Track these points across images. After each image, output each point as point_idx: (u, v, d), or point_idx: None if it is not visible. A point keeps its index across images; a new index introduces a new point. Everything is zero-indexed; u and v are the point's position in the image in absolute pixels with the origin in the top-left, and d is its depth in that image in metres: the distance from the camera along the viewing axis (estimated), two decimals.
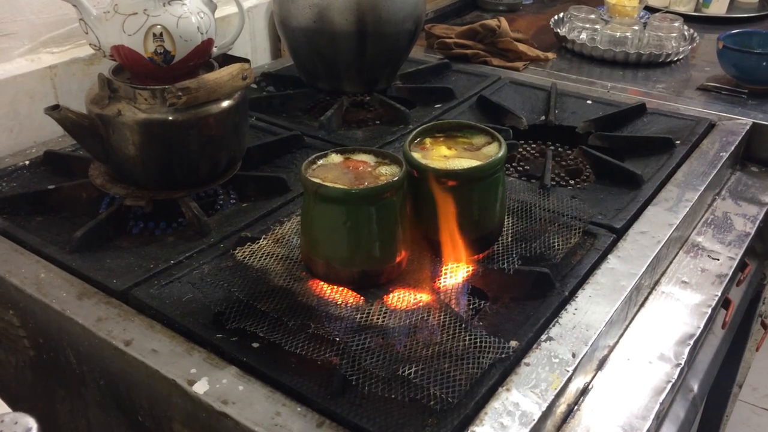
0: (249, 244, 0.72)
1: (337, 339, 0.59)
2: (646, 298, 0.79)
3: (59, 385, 0.75)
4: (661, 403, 0.67)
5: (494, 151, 0.70)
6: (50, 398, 0.77)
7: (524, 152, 1.07)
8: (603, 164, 0.96)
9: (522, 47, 1.38)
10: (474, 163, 0.68)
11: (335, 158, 0.69)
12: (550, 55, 1.41)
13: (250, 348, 0.62)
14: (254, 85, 1.22)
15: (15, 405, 0.85)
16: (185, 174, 0.82)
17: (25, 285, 0.72)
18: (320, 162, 0.68)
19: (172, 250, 0.77)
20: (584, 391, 0.67)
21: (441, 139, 0.73)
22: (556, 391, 0.60)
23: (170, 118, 0.77)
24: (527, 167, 1.02)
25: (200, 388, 0.59)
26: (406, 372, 0.56)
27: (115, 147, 0.79)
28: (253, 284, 0.67)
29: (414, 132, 0.72)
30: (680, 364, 0.71)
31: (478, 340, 0.61)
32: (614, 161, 0.95)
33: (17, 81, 0.96)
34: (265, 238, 0.74)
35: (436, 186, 0.67)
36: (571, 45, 1.43)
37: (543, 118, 1.12)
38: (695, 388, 0.91)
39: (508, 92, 1.21)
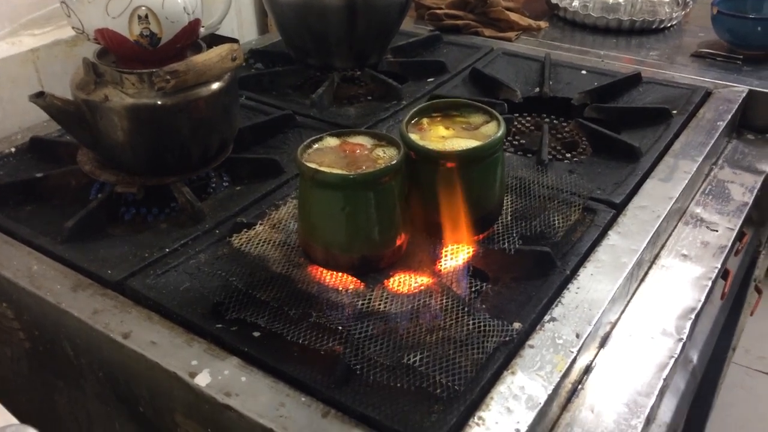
0: (245, 230, 0.71)
1: (340, 328, 0.58)
2: (646, 273, 0.79)
3: (57, 376, 0.74)
4: (665, 379, 0.67)
5: (493, 130, 0.69)
6: (48, 390, 0.76)
7: (520, 126, 1.06)
8: (600, 137, 0.95)
9: (513, 16, 1.36)
10: (473, 143, 0.67)
11: (331, 141, 0.68)
12: (542, 23, 1.39)
13: (251, 337, 0.61)
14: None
15: (12, 397, 0.84)
16: (176, 159, 0.80)
17: (17, 278, 0.70)
18: (316, 146, 0.67)
19: (166, 238, 0.76)
20: (588, 370, 0.66)
21: (438, 118, 0.71)
22: (561, 372, 0.59)
23: (159, 102, 0.75)
24: (523, 141, 1.01)
25: (202, 380, 0.58)
26: (411, 360, 0.55)
27: (103, 133, 0.77)
28: (251, 272, 0.66)
29: (411, 112, 0.71)
30: (682, 338, 0.71)
31: (482, 323, 0.61)
32: (611, 134, 0.94)
33: None
34: (261, 224, 0.73)
35: (434, 168, 0.66)
36: (563, 13, 1.40)
37: (537, 89, 1.11)
38: (694, 359, 0.92)
39: (501, 64, 1.19)
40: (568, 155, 0.97)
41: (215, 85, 0.79)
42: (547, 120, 1.07)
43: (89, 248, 0.74)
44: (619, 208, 0.81)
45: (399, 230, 0.66)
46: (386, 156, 0.65)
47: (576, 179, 0.86)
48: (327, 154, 0.66)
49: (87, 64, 0.77)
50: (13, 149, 0.92)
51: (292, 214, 0.74)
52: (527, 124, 1.07)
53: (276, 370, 0.59)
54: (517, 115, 1.08)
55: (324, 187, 0.62)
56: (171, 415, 0.62)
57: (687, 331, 0.72)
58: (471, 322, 0.61)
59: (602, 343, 0.69)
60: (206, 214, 0.79)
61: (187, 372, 0.59)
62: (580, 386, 0.64)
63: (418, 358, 0.56)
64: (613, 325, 0.72)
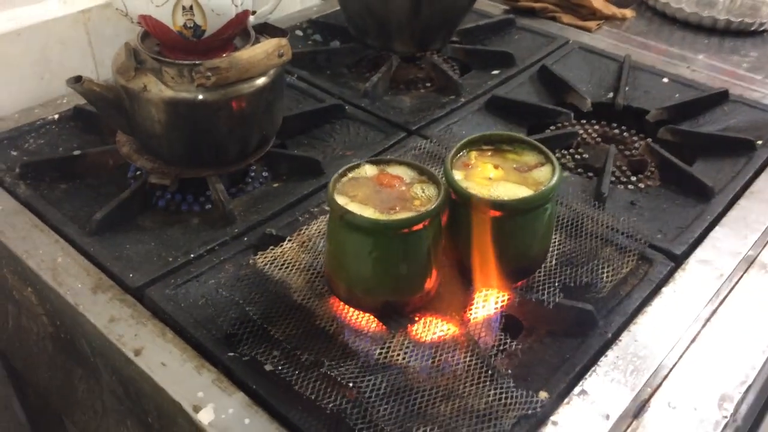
0: (272, 248, 0.68)
1: (350, 384, 0.55)
2: (698, 333, 0.72)
3: (77, 364, 0.74)
4: None
5: (546, 176, 0.63)
6: (68, 374, 0.76)
7: (585, 136, 0.98)
8: (670, 167, 0.87)
9: (597, 2, 1.25)
10: (521, 191, 0.61)
11: (368, 170, 0.63)
12: (628, 12, 1.28)
13: (261, 372, 0.59)
14: (299, 32, 1.14)
15: (35, 371, 0.85)
16: (213, 154, 0.77)
17: (41, 270, 0.69)
18: (351, 174, 0.62)
19: (194, 238, 0.73)
20: None
21: (489, 153, 0.66)
22: None
23: (198, 97, 0.72)
24: (586, 156, 0.94)
25: (205, 417, 0.56)
26: None
27: (140, 122, 0.74)
28: (270, 302, 0.63)
29: (459, 144, 0.65)
30: (726, 416, 0.65)
31: (504, 393, 0.57)
32: (683, 167, 0.86)
33: (48, 26, 0.91)
34: (289, 240, 0.69)
35: (475, 213, 0.60)
36: (653, 2, 1.29)
37: (611, 95, 1.02)
38: (740, 420, 0.86)
39: (574, 60, 1.10)
40: (633, 179, 0.89)
41: (259, 81, 0.75)
42: (617, 131, 0.99)
43: (116, 242, 0.72)
44: (679, 261, 0.74)
45: (429, 275, 0.61)
46: (424, 196, 0.60)
47: (636, 216, 0.80)
48: (362, 186, 0.61)
49: (129, 48, 0.73)
50: (56, 116, 0.90)
51: (322, 231, 0.71)
52: (594, 135, 0.99)
53: (281, 415, 0.56)
54: (585, 122, 1.00)
55: (352, 228, 0.58)
56: None
57: (733, 406, 0.66)
58: (493, 390, 0.57)
59: (637, 414, 0.64)
60: (237, 216, 0.76)
61: (191, 405, 0.57)
62: None
63: None
64: (653, 392, 0.66)
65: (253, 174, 0.85)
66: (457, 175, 0.62)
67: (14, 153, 0.85)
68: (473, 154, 0.65)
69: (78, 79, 0.71)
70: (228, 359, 0.60)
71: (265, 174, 0.85)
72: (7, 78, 0.90)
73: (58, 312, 0.70)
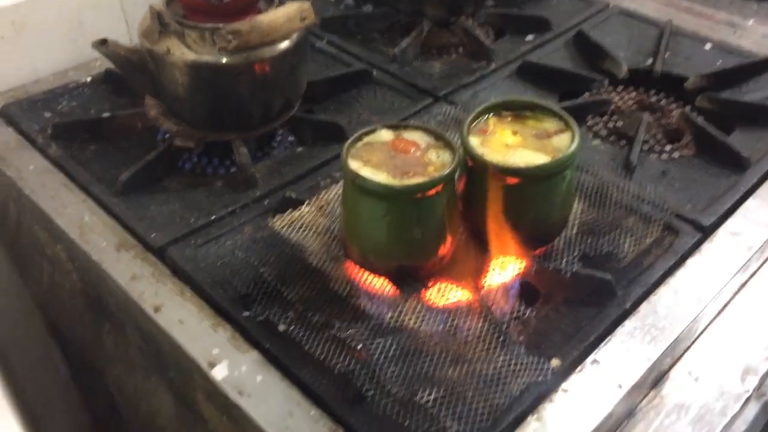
0: (290, 210, 0.68)
1: (360, 346, 0.56)
2: (724, 306, 0.70)
3: (105, 319, 0.76)
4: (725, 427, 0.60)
5: (566, 143, 0.61)
6: (98, 329, 0.79)
7: (620, 102, 0.95)
8: (706, 136, 0.84)
9: None
10: (539, 158, 0.60)
11: (384, 135, 0.62)
12: None
13: (275, 332, 0.60)
14: None
15: (67, 325, 0.89)
16: (236, 118, 0.78)
17: (68, 228, 0.71)
18: (367, 139, 0.62)
19: (216, 201, 0.74)
20: (630, 414, 0.61)
21: (508, 119, 0.64)
22: (593, 429, 0.55)
23: (220, 61, 0.72)
24: (620, 123, 0.91)
25: (219, 373, 0.58)
26: (424, 398, 0.52)
27: (165, 85, 0.75)
28: (285, 264, 0.64)
29: (478, 109, 0.64)
30: (748, 390, 0.64)
31: (514, 360, 0.56)
32: (719, 136, 0.83)
33: None
34: (308, 203, 0.70)
35: (491, 180, 0.60)
36: None
37: (649, 62, 0.99)
38: (766, 394, 0.84)
39: (613, 25, 1.07)
40: (667, 148, 0.86)
41: (282, 45, 0.75)
42: (653, 98, 0.95)
43: (141, 203, 0.74)
44: (707, 232, 0.72)
45: (443, 241, 0.61)
46: (439, 162, 0.60)
47: (666, 186, 0.77)
48: (376, 152, 0.61)
49: (153, 12, 0.74)
50: (89, 78, 0.92)
51: (341, 196, 0.71)
52: (629, 102, 0.96)
53: (292, 374, 0.57)
54: (620, 89, 0.97)
55: (365, 193, 0.58)
56: (194, 392, 0.63)
57: (758, 379, 0.64)
58: (503, 356, 0.57)
59: (655, 384, 0.63)
60: (259, 179, 0.76)
61: (206, 361, 0.59)
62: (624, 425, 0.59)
63: (431, 397, 0.52)
64: (673, 363, 0.65)
65: (279, 138, 0.86)
66: (474, 141, 0.61)
67: (48, 114, 0.87)
68: (492, 120, 0.64)
69: (104, 42, 0.72)
70: (243, 319, 0.61)
71: (290, 139, 0.85)
72: (42, 42, 0.92)
73: (85, 269, 0.72)
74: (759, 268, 0.72)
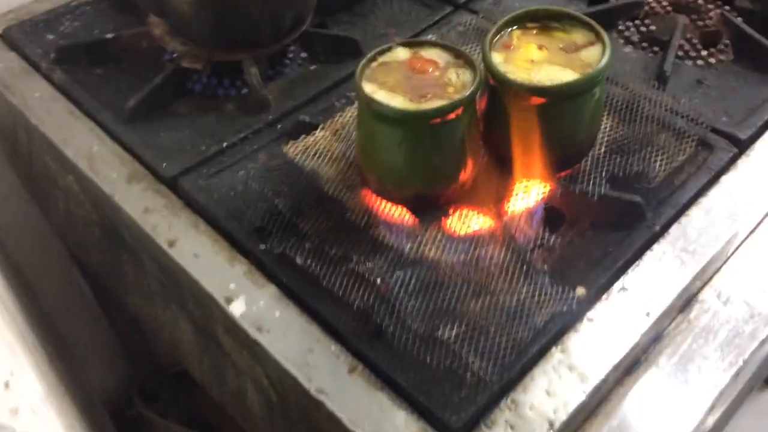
0: (304, 136, 0.66)
1: (378, 280, 0.54)
2: (757, 225, 0.67)
3: (122, 248, 0.76)
4: (746, 360, 0.59)
5: (595, 57, 0.57)
6: (117, 257, 0.78)
7: (654, 5, 0.89)
8: (746, 40, 0.78)
9: None
10: (566, 74, 0.56)
11: (400, 54, 0.58)
12: None
13: (292, 265, 0.58)
14: None
15: (87, 253, 0.88)
16: (245, 35, 0.74)
17: (77, 159, 0.69)
18: (382, 59, 0.58)
19: (228, 126, 0.72)
20: (657, 339, 0.59)
21: (534, 31, 0.60)
22: (618, 360, 0.53)
23: None
24: (653, 27, 0.85)
25: (237, 309, 0.57)
26: (445, 335, 0.51)
27: (170, 4, 0.71)
28: (300, 194, 0.61)
29: (500, 22, 0.59)
30: None
31: (538, 290, 0.55)
32: (759, 39, 0.77)
33: None
34: (322, 128, 0.67)
35: (515, 100, 0.56)
36: None
37: None
38: None
39: None
40: (704, 53, 0.81)
41: None
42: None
43: (151, 129, 0.71)
44: (743, 147, 0.68)
45: (464, 166, 0.58)
46: (459, 82, 0.56)
47: (701, 96, 0.73)
48: (392, 72, 0.57)
49: None
50: None
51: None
52: (664, 3, 0.89)
53: (311, 309, 0.56)
54: None
55: (380, 118, 0.54)
56: (214, 325, 0.62)
57: None
58: (526, 287, 0.55)
59: (683, 308, 0.61)
60: (271, 102, 0.73)
61: (223, 296, 0.58)
62: (643, 358, 0.58)
63: (453, 333, 0.51)
64: (702, 286, 0.63)
65: (291, 56, 0.81)
66: (497, 58, 0.57)
67: (50, 37, 0.83)
68: (516, 33, 0.60)
69: None
70: (259, 252, 0.60)
71: (303, 55, 0.81)
72: None
73: (98, 200, 0.71)
74: None
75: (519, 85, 0.55)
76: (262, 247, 0.60)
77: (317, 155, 0.64)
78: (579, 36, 0.59)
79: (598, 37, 0.58)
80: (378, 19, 0.84)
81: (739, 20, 0.81)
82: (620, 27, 0.85)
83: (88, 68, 0.79)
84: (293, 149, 0.65)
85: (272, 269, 0.59)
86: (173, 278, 0.64)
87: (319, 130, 0.66)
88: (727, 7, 0.86)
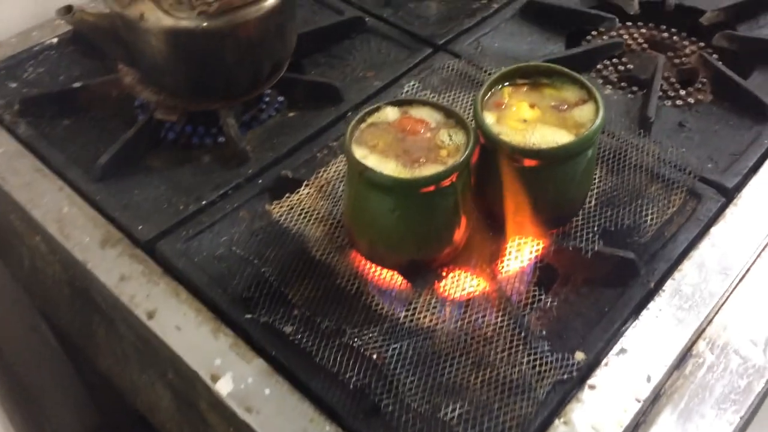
0: (288, 195, 0.63)
1: (375, 355, 0.52)
2: (748, 269, 0.67)
3: (94, 311, 0.72)
4: (743, 417, 0.58)
5: (588, 116, 0.56)
6: (87, 318, 0.74)
7: (630, 42, 0.89)
8: (724, 80, 0.78)
9: None
10: (560, 135, 0.54)
11: (390, 114, 0.56)
12: None
13: (281, 336, 0.56)
14: None
15: (55, 312, 0.84)
16: (221, 85, 0.71)
17: (46, 221, 0.66)
18: (370, 119, 0.56)
19: (205, 180, 0.69)
20: (655, 399, 0.58)
21: (524, 89, 0.58)
22: (623, 428, 0.52)
23: (201, 26, 0.65)
24: (630, 66, 0.85)
25: (224, 387, 0.54)
26: (447, 416, 0.49)
27: (140, 54, 0.68)
28: (287, 259, 0.59)
29: (490, 80, 0.58)
30: None
31: (538, 359, 0.53)
32: (737, 79, 0.77)
33: None
34: (307, 184, 0.64)
35: (509, 162, 0.54)
36: None
37: None
38: None
39: None
40: (682, 92, 0.80)
41: (267, 3, 0.67)
42: (666, 34, 0.89)
43: (123, 188, 0.68)
44: (731, 195, 0.67)
45: (457, 227, 0.56)
46: (452, 145, 0.54)
47: (685, 140, 0.73)
48: (382, 134, 0.55)
49: None
50: (55, 39, 0.84)
51: (342, 173, 0.65)
52: (640, 41, 0.89)
53: (302, 385, 0.54)
54: (630, 24, 0.90)
55: (372, 186, 0.52)
56: (197, 399, 0.59)
57: None
58: (526, 356, 0.53)
59: (679, 364, 0.61)
60: (250, 153, 0.70)
61: (209, 374, 0.55)
62: (641, 420, 0.57)
63: (456, 413, 0.49)
64: (695, 339, 0.62)
65: (267, 99, 0.79)
66: (489, 118, 0.56)
67: (13, 85, 0.79)
68: (507, 90, 0.58)
69: (68, 10, 0.65)
70: (245, 322, 0.57)
71: (280, 99, 0.79)
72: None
73: (69, 264, 0.67)
74: None
75: (513, 147, 0.53)
76: (249, 316, 0.57)
77: (303, 215, 0.62)
78: (570, 93, 0.58)
79: (590, 95, 0.57)
80: (356, 61, 0.83)
81: (716, 60, 0.81)
82: (598, 66, 0.84)
83: (54, 120, 0.75)
84: (277, 209, 0.62)
85: (260, 341, 0.56)
86: (153, 348, 0.61)
87: (303, 187, 0.64)
88: (701, 44, 0.86)
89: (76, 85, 0.76)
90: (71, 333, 0.81)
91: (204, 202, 0.66)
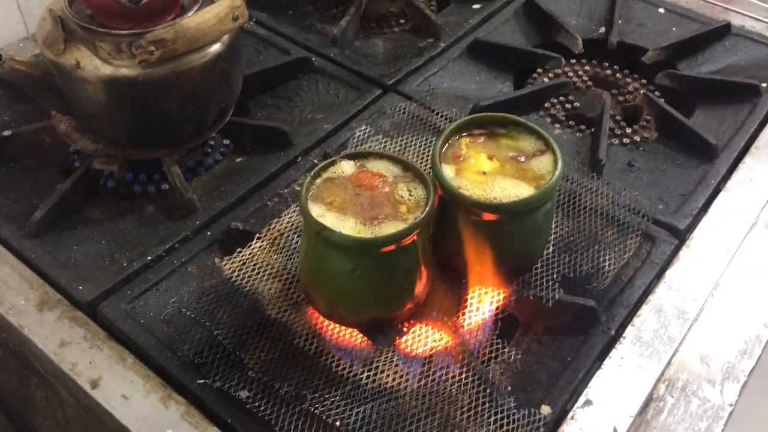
0: (239, 250, 0.60)
1: (337, 423, 0.50)
2: (702, 308, 0.67)
3: (32, 374, 0.67)
4: None
5: (546, 167, 0.55)
6: (24, 380, 0.69)
7: (576, 79, 0.90)
8: (669, 119, 0.80)
9: None
10: (520, 188, 0.54)
11: (346, 167, 0.55)
12: None
13: (237, 402, 0.53)
14: None
15: None
16: (164, 134, 0.68)
17: None
18: (326, 174, 0.54)
19: (150, 233, 0.65)
20: None
21: (481, 140, 0.58)
22: None
23: (142, 74, 0.62)
24: (577, 104, 0.86)
25: None
26: None
27: (77, 103, 0.64)
28: (241, 319, 0.56)
29: (447, 130, 0.57)
30: (731, 405, 0.62)
31: (505, 417, 0.52)
32: (681, 119, 0.78)
33: None
34: (259, 237, 0.62)
35: (468, 216, 0.53)
36: None
37: (602, 30, 0.93)
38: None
39: None
40: (629, 130, 0.81)
41: (212, 49, 0.65)
42: (609, 71, 0.90)
43: (61, 245, 0.64)
44: (683, 237, 0.68)
45: (419, 282, 0.55)
46: (412, 200, 0.53)
47: (635, 180, 0.73)
48: (339, 189, 0.53)
49: (53, 15, 0.62)
50: None
51: (294, 224, 0.63)
52: (585, 78, 0.90)
53: None
54: (574, 62, 0.91)
55: (331, 246, 0.50)
56: None
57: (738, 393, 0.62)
58: (492, 414, 0.52)
59: (645, 406, 0.60)
60: (197, 203, 0.67)
61: None
62: None
63: None
64: (655, 384, 0.62)
65: (212, 143, 0.76)
66: (448, 171, 0.54)
67: None
68: (464, 141, 0.57)
69: None
70: (198, 387, 0.54)
71: (225, 142, 0.76)
72: None
73: (3, 327, 0.62)
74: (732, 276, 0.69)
75: (474, 202, 0.52)
76: (201, 381, 0.54)
77: (256, 271, 0.59)
78: (526, 143, 0.57)
79: (547, 145, 0.56)
80: (304, 102, 0.81)
81: (659, 98, 0.83)
82: (546, 105, 0.85)
83: None
84: (229, 265, 0.59)
85: (214, 408, 0.53)
86: (97, 419, 0.57)
87: (254, 241, 0.61)
88: (644, 80, 0.88)
89: (6, 133, 0.71)
90: (6, 393, 0.76)
91: (149, 258, 0.63)
